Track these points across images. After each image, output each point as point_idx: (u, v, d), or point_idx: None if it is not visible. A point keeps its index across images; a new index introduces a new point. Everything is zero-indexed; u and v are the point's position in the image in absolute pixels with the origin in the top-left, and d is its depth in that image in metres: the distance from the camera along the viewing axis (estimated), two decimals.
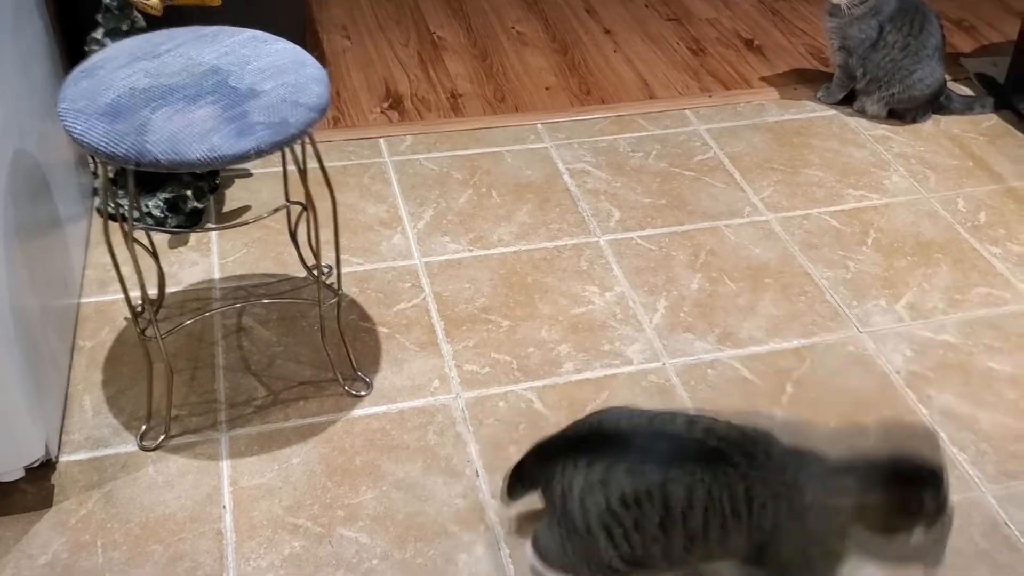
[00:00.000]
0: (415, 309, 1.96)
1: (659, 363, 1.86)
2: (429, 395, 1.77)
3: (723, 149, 2.47)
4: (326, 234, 1.98)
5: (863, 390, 1.81)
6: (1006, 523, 1.58)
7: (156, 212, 2.07)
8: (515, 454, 1.65)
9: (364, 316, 1.93)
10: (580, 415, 1.72)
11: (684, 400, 1.78)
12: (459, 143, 2.46)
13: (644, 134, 2.52)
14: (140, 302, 1.79)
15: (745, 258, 2.13)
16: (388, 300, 1.97)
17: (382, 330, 1.90)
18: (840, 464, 1.31)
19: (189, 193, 2.08)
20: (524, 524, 1.55)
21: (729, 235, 2.19)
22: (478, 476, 1.63)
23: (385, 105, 2.60)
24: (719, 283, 2.06)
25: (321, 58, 2.73)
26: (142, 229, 1.85)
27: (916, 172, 2.41)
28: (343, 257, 2.05)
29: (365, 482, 1.61)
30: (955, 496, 1.62)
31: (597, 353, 1.88)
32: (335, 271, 1.73)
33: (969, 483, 1.65)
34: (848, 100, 2.63)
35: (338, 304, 1.80)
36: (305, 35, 2.41)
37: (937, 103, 2.58)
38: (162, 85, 1.45)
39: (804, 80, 2.77)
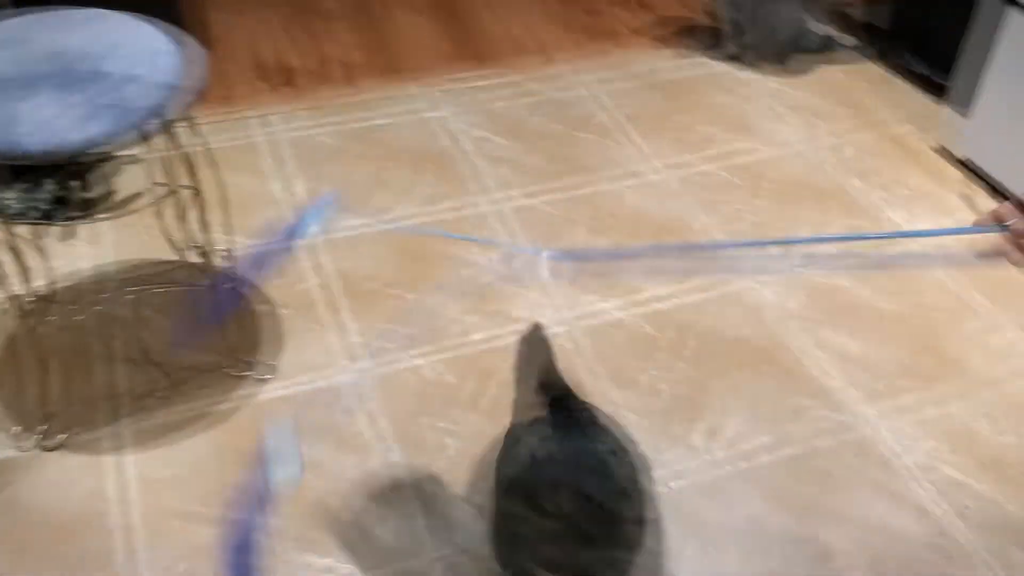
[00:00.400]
0: (316, 287, 1.93)
1: (566, 325, 1.88)
2: (335, 373, 1.76)
3: (619, 108, 2.49)
4: (216, 216, 1.93)
5: (759, 337, 1.87)
6: (898, 455, 1.66)
7: (17, 204, 1.97)
8: (426, 426, 1.66)
9: (264, 298, 1.90)
10: (490, 382, 1.74)
11: (590, 360, 1.80)
12: (353, 115, 2.42)
13: (540, 97, 2.52)
14: (26, 298, 1.73)
15: (643, 216, 2.16)
16: (288, 280, 1.94)
17: (284, 311, 1.87)
18: None
19: (54, 183, 2.00)
20: (440, 494, 1.56)
21: (627, 194, 2.22)
22: (390, 449, 1.63)
23: (273, 80, 2.54)
24: (619, 243, 2.08)
25: (204, 36, 2.64)
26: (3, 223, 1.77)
27: (803, 121, 2.47)
28: (236, 239, 2.01)
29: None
30: (848, 432, 1.69)
31: (503, 319, 1.88)
32: (229, 254, 1.70)
33: (861, 418, 1.72)
34: (737, 55, 2.67)
35: (233, 288, 1.76)
36: (183, 13, 2.33)
37: (800, 43, 2.66)
38: (9, 73, 1.38)
39: (695, 37, 2.80)
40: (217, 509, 1.52)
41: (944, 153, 2.35)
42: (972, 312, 1.94)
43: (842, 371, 1.80)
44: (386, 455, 1.62)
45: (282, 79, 2.55)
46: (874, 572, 1.48)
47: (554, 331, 1.86)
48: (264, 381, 1.74)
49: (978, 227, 1.02)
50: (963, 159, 2.30)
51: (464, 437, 1.65)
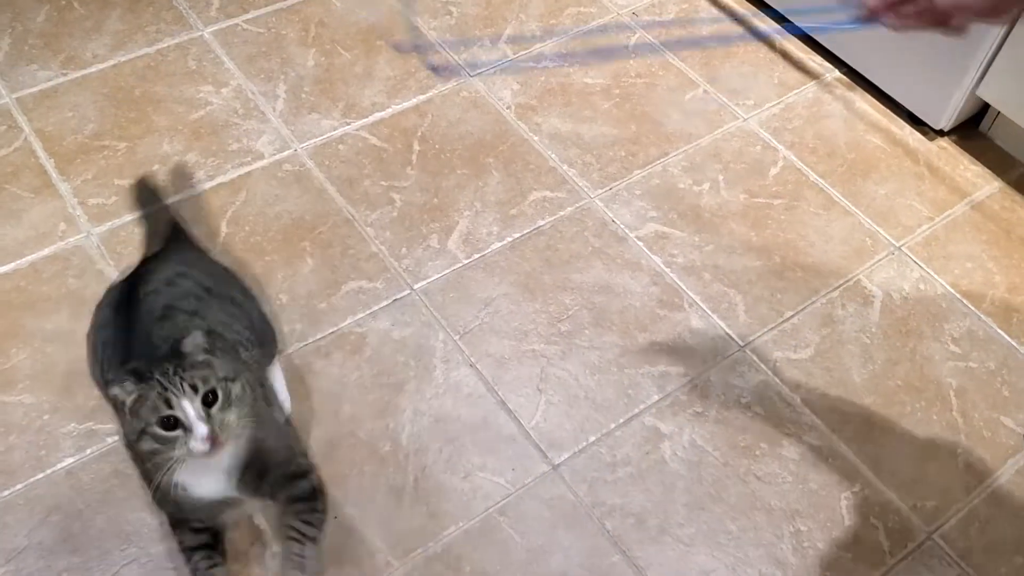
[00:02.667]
0: (18, 152, 1.81)
1: (291, 150, 1.88)
2: (58, 240, 1.70)
3: None
4: None
5: (481, 132, 1.95)
6: (612, 220, 1.82)
7: None
8: None
9: None
10: (221, 223, 1.75)
11: (321, 180, 1.83)
12: None
13: None
14: None
15: (354, 23, 2.12)
16: None
17: None
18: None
19: None
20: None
21: (335, 1, 2.16)
22: None
23: None
24: (334, 55, 2.06)
25: None
26: None
27: None
28: None
29: (13, 345, 1.56)
30: (568, 208, 1.83)
31: (227, 155, 1.86)
32: None
33: (579, 193, 1.86)
34: None
35: None
36: None
37: None
38: None
39: None
40: None
41: None
42: (667, 75, 2.09)
43: (559, 151, 1.92)
44: None
45: None
46: (599, 326, 1.67)
47: (278, 158, 1.86)
48: None
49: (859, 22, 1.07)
50: None
51: None
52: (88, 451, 1.45)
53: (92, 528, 1.38)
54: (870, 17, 1.07)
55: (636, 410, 1.57)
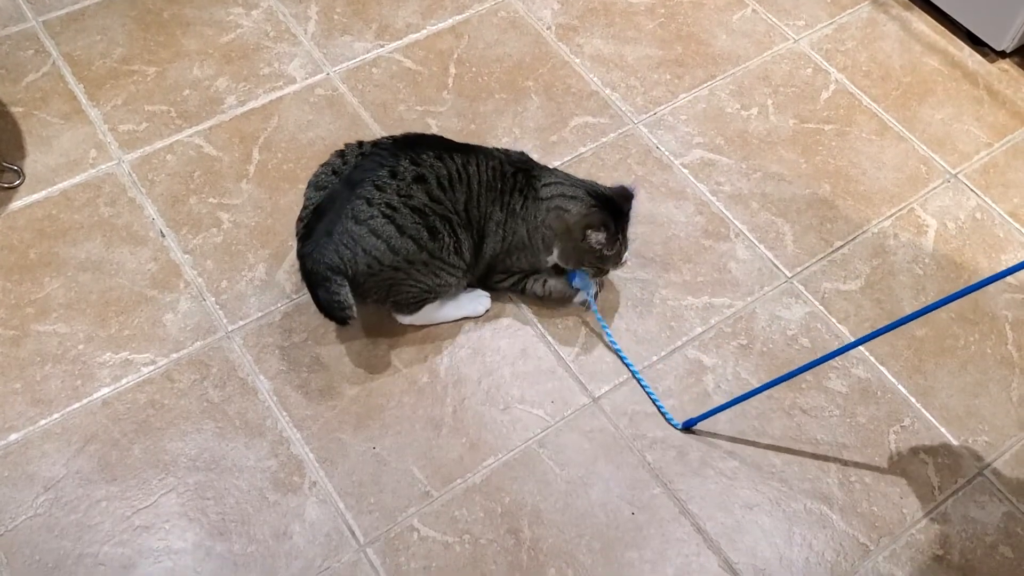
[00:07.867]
0: (47, 78, 1.77)
1: (323, 74, 1.82)
2: (89, 167, 1.67)
3: None
4: None
5: (520, 53, 1.87)
6: (657, 147, 1.76)
7: None
8: (196, 204, 1.63)
9: None
10: (253, 148, 1.70)
11: (355, 105, 1.78)
12: None
13: None
14: None
15: None
16: (13, 74, 1.77)
17: (15, 110, 1.72)
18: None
19: None
20: (220, 275, 1.56)
21: None
22: (164, 236, 1.59)
23: None
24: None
25: None
26: None
27: None
28: None
29: (47, 273, 1.54)
30: (611, 134, 1.77)
31: (258, 79, 1.80)
32: None
33: (623, 119, 1.79)
34: None
35: None
36: None
37: None
38: None
39: None
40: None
41: None
42: None
43: (601, 75, 1.85)
44: (161, 241, 1.59)
45: None
46: (642, 256, 1.62)
47: (310, 82, 1.80)
48: (14, 188, 1.63)
49: None
50: None
51: (238, 208, 1.63)
52: (124, 381, 1.44)
53: (130, 458, 1.37)
54: None
55: (679, 342, 1.53)
